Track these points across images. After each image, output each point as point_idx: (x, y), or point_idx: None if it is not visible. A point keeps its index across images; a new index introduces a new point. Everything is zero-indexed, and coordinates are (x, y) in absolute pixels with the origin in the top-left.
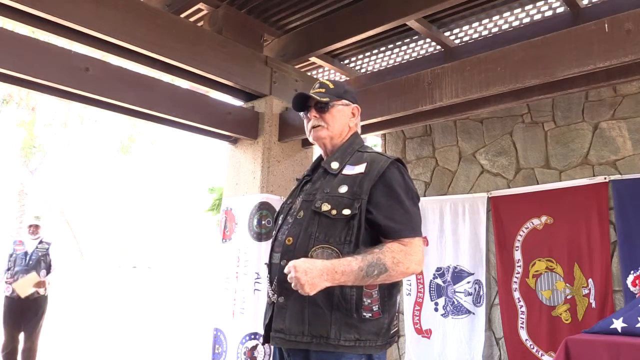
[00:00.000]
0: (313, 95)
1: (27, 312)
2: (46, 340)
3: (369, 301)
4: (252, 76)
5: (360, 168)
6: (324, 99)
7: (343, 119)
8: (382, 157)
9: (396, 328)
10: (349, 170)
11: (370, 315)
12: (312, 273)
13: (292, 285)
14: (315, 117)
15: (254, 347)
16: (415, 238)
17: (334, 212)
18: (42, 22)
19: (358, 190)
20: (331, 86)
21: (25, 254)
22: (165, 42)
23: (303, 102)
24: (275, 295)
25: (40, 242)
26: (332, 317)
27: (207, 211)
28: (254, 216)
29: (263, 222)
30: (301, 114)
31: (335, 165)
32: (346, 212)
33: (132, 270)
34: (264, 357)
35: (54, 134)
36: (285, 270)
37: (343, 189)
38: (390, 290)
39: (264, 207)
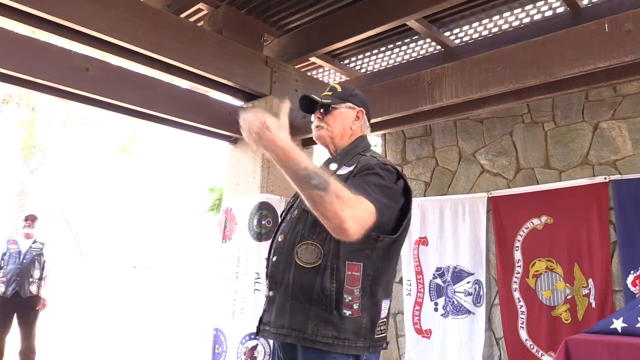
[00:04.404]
0: (315, 98)
1: (19, 313)
2: (46, 341)
3: (350, 298)
4: (252, 76)
5: (351, 169)
6: (326, 101)
7: (344, 121)
8: (373, 160)
9: (383, 334)
10: (342, 171)
11: (350, 313)
12: (270, 135)
13: (245, 127)
14: (319, 118)
15: (254, 347)
16: (370, 203)
17: None
18: (42, 22)
19: None
20: (338, 89)
21: (19, 253)
22: (165, 42)
23: (310, 105)
24: (268, 289)
25: (34, 241)
26: (311, 311)
27: (207, 211)
28: (254, 216)
29: (263, 222)
30: (312, 116)
31: (333, 167)
32: None
33: (132, 270)
34: (264, 357)
35: (54, 134)
36: (252, 115)
37: None
38: (372, 289)
39: (264, 207)
